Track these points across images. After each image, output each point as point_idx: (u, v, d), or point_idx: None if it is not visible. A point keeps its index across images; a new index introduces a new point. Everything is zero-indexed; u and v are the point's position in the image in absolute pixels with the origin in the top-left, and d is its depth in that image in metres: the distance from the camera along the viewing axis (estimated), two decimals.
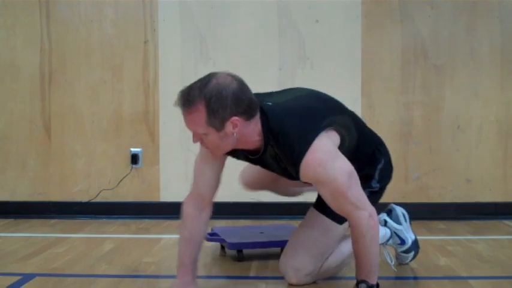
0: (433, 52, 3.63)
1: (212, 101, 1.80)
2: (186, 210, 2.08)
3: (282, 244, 2.45)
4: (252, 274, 2.38)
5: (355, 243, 1.94)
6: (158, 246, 2.87)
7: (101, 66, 3.69)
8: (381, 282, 2.22)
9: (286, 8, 3.64)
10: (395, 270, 2.32)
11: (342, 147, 1.98)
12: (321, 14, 3.64)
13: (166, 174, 3.67)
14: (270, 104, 1.98)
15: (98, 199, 3.70)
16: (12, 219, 3.59)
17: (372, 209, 1.93)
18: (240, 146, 1.98)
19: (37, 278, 2.30)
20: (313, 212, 2.21)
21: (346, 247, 2.19)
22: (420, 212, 3.61)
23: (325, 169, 1.86)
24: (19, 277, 2.29)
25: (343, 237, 2.22)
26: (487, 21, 3.62)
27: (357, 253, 1.95)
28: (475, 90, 3.63)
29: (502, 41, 3.62)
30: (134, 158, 3.68)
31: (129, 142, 3.69)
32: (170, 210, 3.46)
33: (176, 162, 3.65)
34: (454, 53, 3.63)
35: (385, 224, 2.36)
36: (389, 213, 2.39)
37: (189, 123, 1.87)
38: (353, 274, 2.30)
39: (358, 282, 1.95)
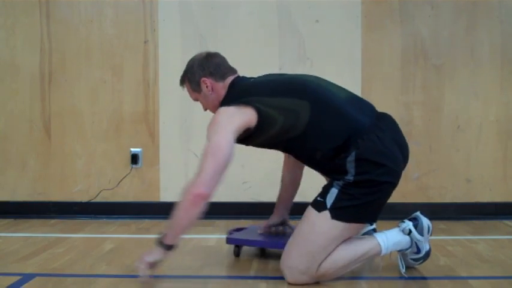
0: (433, 52, 3.63)
1: (188, 72, 2.43)
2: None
3: None
4: (252, 274, 2.38)
5: None
6: None
7: (101, 66, 3.69)
8: (381, 282, 2.22)
9: (286, 8, 3.64)
10: (405, 275, 2.31)
11: (271, 124, 2.20)
12: (321, 14, 3.64)
13: (166, 174, 3.67)
14: (247, 80, 2.43)
15: (98, 199, 3.70)
16: (12, 219, 3.60)
17: (200, 183, 2.09)
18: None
19: (37, 278, 2.30)
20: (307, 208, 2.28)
21: (348, 252, 2.21)
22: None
23: (208, 130, 2.19)
24: (19, 277, 2.29)
25: (346, 242, 2.23)
26: (487, 21, 3.62)
27: None
28: (475, 90, 3.64)
29: (502, 41, 3.62)
30: (134, 158, 3.68)
31: (129, 142, 3.69)
32: (170, 210, 3.45)
33: (176, 162, 3.65)
34: (454, 53, 3.63)
35: (409, 233, 2.32)
36: (415, 223, 2.33)
37: (189, 94, 2.48)
38: (353, 274, 2.31)
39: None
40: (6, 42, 3.70)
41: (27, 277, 2.29)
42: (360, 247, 2.25)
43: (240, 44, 3.66)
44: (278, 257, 2.32)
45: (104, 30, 3.68)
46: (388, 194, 2.25)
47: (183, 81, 2.47)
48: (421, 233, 2.32)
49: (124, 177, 3.69)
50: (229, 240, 2.65)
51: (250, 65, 3.63)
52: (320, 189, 2.26)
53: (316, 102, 2.21)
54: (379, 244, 2.27)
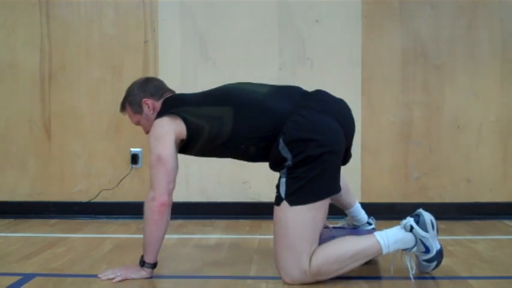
0: (433, 52, 3.63)
1: (128, 97, 2.53)
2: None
3: None
4: (252, 274, 2.38)
5: None
6: None
7: (101, 66, 3.69)
8: (381, 282, 2.22)
9: (286, 8, 3.64)
10: (413, 279, 2.24)
11: (199, 133, 2.33)
12: (321, 14, 3.64)
13: None
14: (180, 94, 2.55)
15: (98, 199, 3.70)
16: (12, 219, 3.59)
17: (160, 194, 2.24)
18: None
19: (37, 278, 2.30)
20: None
21: (341, 249, 2.22)
22: None
23: (150, 143, 2.32)
24: (19, 277, 2.29)
25: (341, 238, 2.26)
26: (487, 21, 3.62)
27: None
28: (475, 90, 3.63)
29: (502, 41, 3.62)
30: (134, 158, 3.68)
31: (129, 142, 3.69)
32: (170, 211, 3.46)
33: None
34: (454, 53, 3.63)
35: (411, 230, 2.25)
36: (417, 219, 2.26)
37: (130, 119, 2.57)
38: (354, 274, 2.31)
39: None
40: (6, 42, 3.70)
41: (27, 277, 2.29)
42: (355, 244, 2.24)
43: (240, 43, 3.66)
44: None
45: (104, 30, 3.68)
46: (333, 162, 2.26)
47: (123, 107, 2.56)
48: (424, 229, 2.24)
49: (124, 177, 3.69)
50: None
51: (250, 65, 3.65)
52: None
53: (239, 105, 2.34)
54: (378, 241, 2.22)
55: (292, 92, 2.42)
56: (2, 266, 2.50)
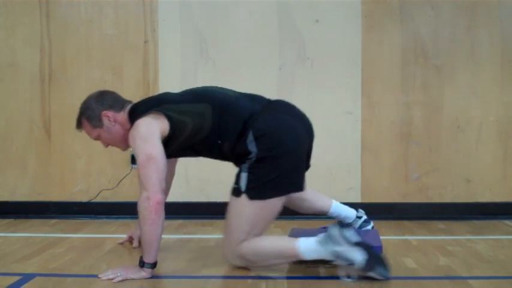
0: (433, 52, 3.63)
1: (84, 112, 2.51)
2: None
3: None
4: (252, 274, 2.38)
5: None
6: None
7: (101, 66, 3.69)
8: (381, 282, 2.22)
9: (286, 8, 3.64)
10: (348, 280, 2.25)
11: (181, 129, 2.37)
12: (321, 14, 3.64)
13: None
14: (151, 99, 2.58)
15: (98, 199, 3.70)
16: (12, 219, 3.60)
17: (154, 192, 2.24)
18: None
19: (37, 278, 2.30)
20: None
21: (267, 243, 2.35)
22: (420, 212, 3.62)
23: (134, 144, 2.34)
24: (19, 277, 2.29)
25: (272, 235, 2.48)
26: (487, 21, 3.61)
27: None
28: (475, 90, 3.63)
29: (502, 41, 3.62)
30: (134, 158, 3.67)
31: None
32: (170, 211, 3.43)
33: None
34: (454, 53, 3.63)
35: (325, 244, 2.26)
36: (327, 234, 2.27)
37: (88, 135, 2.57)
38: (354, 274, 2.31)
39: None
40: (6, 42, 3.70)
41: (27, 277, 2.29)
42: (280, 243, 2.37)
43: (240, 44, 3.66)
44: None
45: (104, 30, 3.69)
46: (295, 161, 2.38)
47: (80, 123, 2.55)
48: (336, 242, 2.22)
49: (124, 177, 3.69)
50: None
51: (250, 65, 3.65)
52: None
53: (216, 103, 2.43)
54: (299, 246, 2.27)
55: (258, 98, 2.55)
56: (2, 266, 2.50)
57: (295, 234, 2.63)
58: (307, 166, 2.54)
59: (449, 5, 3.62)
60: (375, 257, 2.22)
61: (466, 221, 3.54)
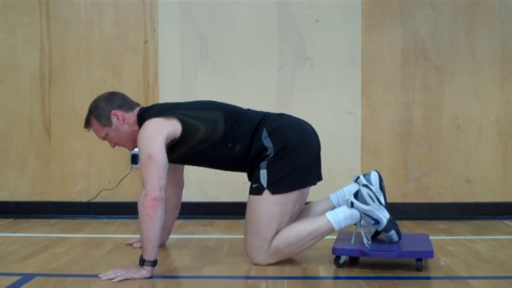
0: (433, 52, 3.63)
1: (94, 111, 2.57)
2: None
3: (416, 255, 2.37)
4: (252, 274, 2.38)
5: None
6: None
7: (101, 66, 3.69)
8: (381, 282, 2.22)
9: (286, 8, 3.64)
10: (368, 246, 2.36)
11: (193, 133, 2.44)
12: (321, 14, 3.64)
13: None
14: (168, 102, 2.69)
15: (98, 199, 3.70)
16: (12, 219, 3.60)
17: (151, 189, 2.28)
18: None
19: (37, 278, 2.30)
20: None
21: (298, 228, 2.42)
22: (420, 212, 3.62)
23: (139, 142, 2.40)
24: (19, 277, 2.29)
25: (297, 220, 2.50)
26: (487, 21, 3.62)
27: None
28: (475, 90, 3.64)
29: (502, 41, 3.62)
30: (134, 158, 3.67)
31: None
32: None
33: None
34: (454, 53, 3.63)
35: (352, 205, 2.40)
36: (356, 194, 2.43)
37: (96, 134, 2.63)
38: (353, 274, 2.31)
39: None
40: (6, 42, 3.70)
41: (27, 277, 2.29)
42: (310, 224, 2.44)
43: (240, 44, 3.66)
44: None
45: (104, 30, 3.68)
46: (309, 155, 2.50)
47: (88, 122, 2.61)
48: (364, 202, 2.38)
49: (124, 177, 3.69)
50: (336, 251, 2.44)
51: (250, 65, 3.65)
52: None
53: (228, 111, 2.53)
54: (329, 220, 2.41)
55: (261, 111, 2.65)
56: (2, 266, 2.50)
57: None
58: (318, 177, 2.60)
59: (449, 5, 3.62)
60: (393, 219, 2.41)
61: (466, 221, 3.54)
